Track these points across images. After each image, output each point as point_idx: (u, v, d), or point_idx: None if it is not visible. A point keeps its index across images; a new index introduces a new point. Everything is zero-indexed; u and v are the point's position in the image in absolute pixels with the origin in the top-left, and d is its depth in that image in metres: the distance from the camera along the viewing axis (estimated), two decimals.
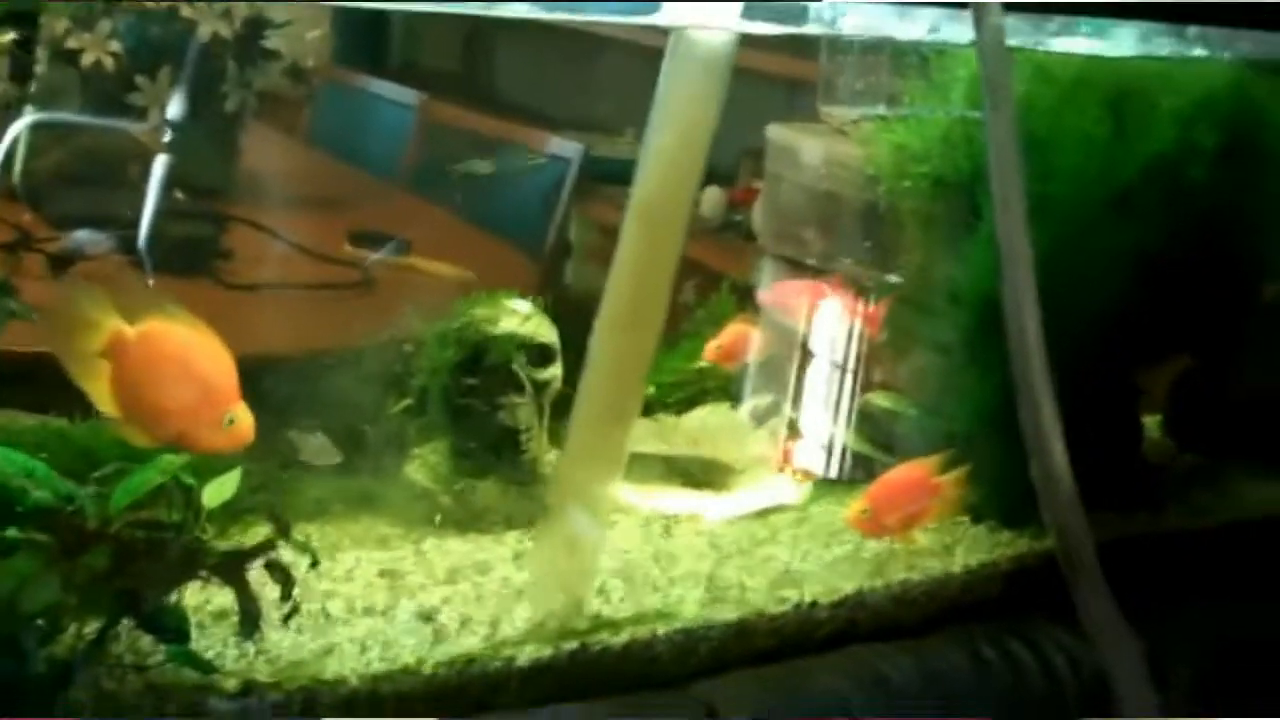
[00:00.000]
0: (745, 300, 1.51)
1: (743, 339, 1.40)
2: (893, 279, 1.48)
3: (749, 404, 1.35)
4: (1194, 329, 1.44)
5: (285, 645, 1.01)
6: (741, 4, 1.05)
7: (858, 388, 1.41)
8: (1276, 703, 1.14)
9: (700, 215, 2.52)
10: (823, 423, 1.36)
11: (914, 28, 1.11)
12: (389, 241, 2.02)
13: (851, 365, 1.41)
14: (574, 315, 1.45)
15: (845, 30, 1.12)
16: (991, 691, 1.19)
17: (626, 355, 1.11)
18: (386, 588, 1.12)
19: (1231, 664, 1.28)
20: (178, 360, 0.92)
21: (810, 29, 1.10)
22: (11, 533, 0.88)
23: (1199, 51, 1.28)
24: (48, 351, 1.01)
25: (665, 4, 1.06)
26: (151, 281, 1.85)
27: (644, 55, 1.20)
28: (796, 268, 1.55)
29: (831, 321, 1.43)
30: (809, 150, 1.56)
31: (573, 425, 1.12)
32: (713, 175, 2.52)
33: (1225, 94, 1.30)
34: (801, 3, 1.08)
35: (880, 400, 1.35)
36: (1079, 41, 1.20)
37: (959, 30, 1.10)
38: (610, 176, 2.47)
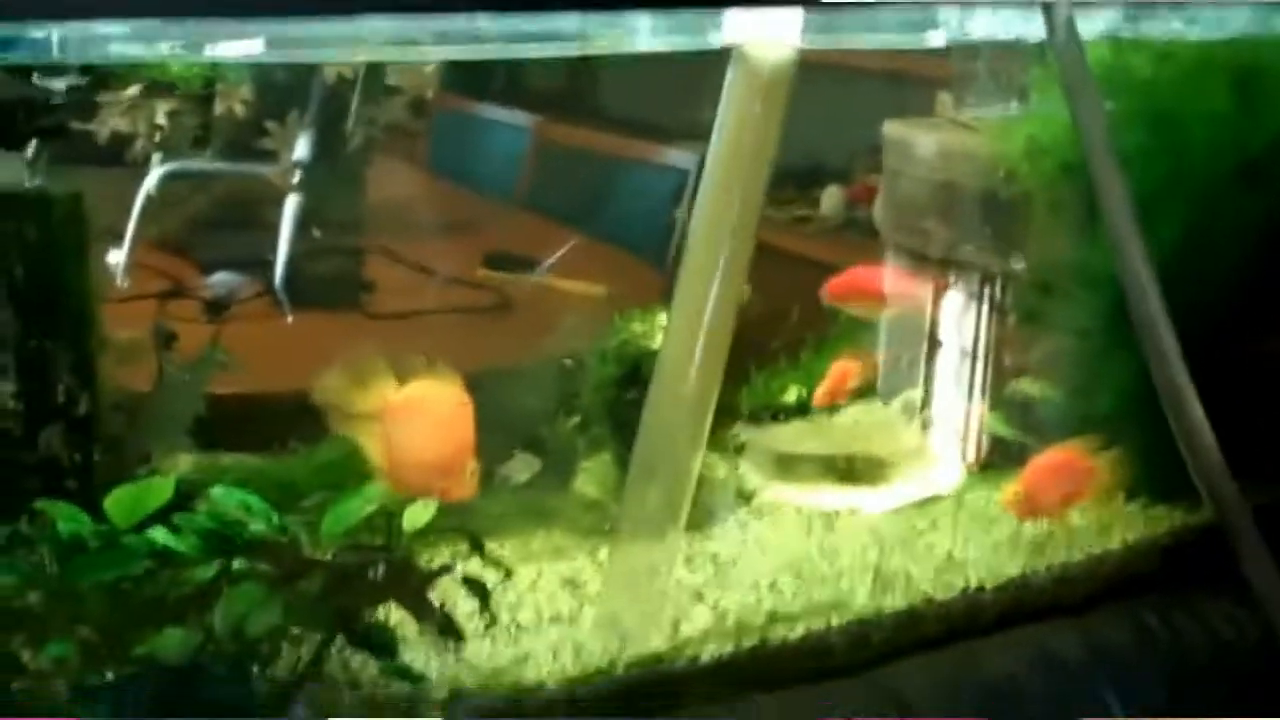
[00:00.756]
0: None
1: (846, 374, 1.41)
2: (1017, 264, 1.51)
3: (899, 398, 1.39)
4: None
5: (484, 655, 1.08)
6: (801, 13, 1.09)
7: (979, 373, 1.44)
8: None
9: (821, 215, 2.56)
10: (969, 411, 1.39)
11: (1038, 28, 1.14)
12: (523, 262, 2.09)
13: (971, 350, 1.45)
14: None
15: (973, 34, 1.15)
16: (1159, 663, 1.22)
17: (693, 374, 1.12)
18: (570, 596, 1.18)
19: None
20: (437, 420, 0.99)
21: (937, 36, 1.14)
22: (238, 563, 0.95)
23: None
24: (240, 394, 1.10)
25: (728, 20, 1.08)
26: (290, 319, 1.94)
27: None
28: (919, 259, 1.58)
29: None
30: (926, 144, 1.60)
31: (639, 442, 1.13)
32: (829, 174, 2.56)
33: None
34: (932, 6, 1.12)
35: (1025, 386, 1.38)
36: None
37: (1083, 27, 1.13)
38: None
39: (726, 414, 1.34)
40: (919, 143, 1.61)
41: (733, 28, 1.08)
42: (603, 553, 1.24)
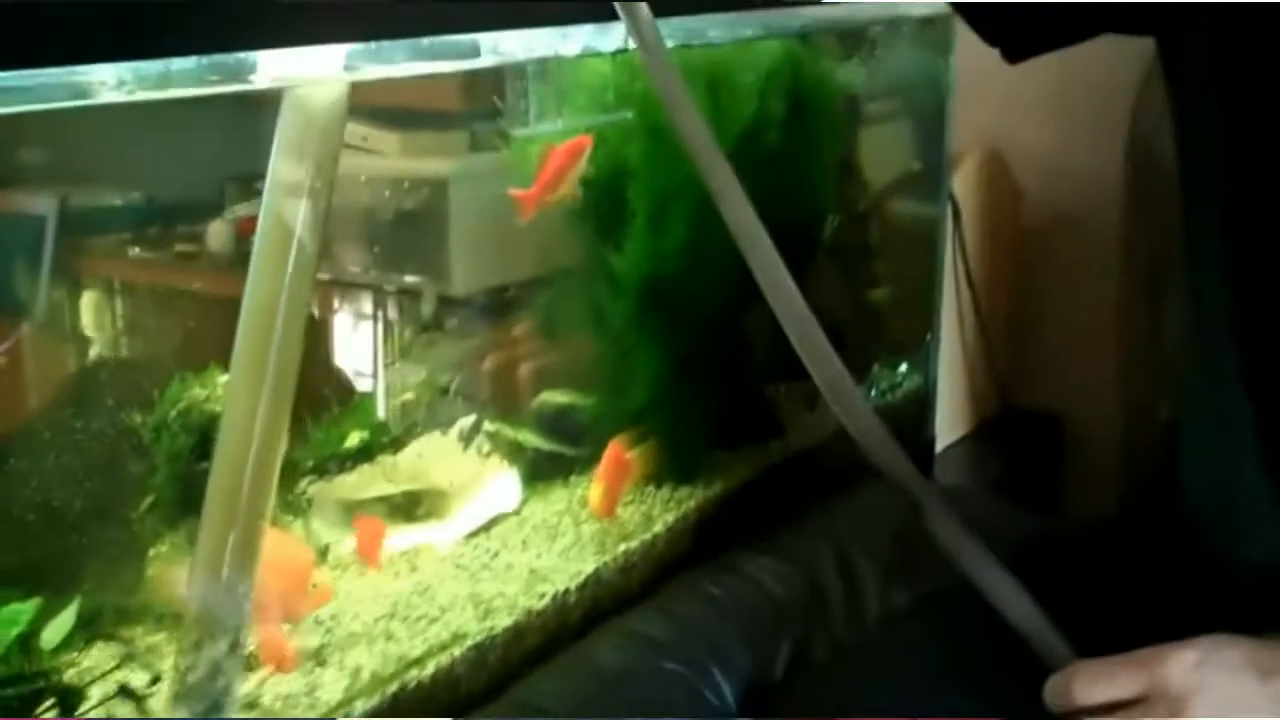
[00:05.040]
0: None
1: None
2: (411, 280, 1.67)
3: (456, 426, 1.50)
4: None
5: None
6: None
7: (512, 391, 1.59)
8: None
9: (210, 251, 2.56)
10: (510, 430, 1.53)
11: (570, 45, 1.29)
12: None
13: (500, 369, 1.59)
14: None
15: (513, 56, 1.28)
16: (731, 621, 1.43)
17: (259, 432, 1.13)
18: None
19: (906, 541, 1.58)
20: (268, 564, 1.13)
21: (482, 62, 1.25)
22: None
23: (758, 31, 1.56)
24: None
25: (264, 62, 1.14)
26: None
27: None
28: (350, 285, 1.69)
29: None
30: None
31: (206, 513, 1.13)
32: (208, 210, 2.56)
33: (784, 66, 1.61)
34: (473, 37, 1.23)
35: (554, 397, 1.55)
36: None
37: (609, 41, 1.29)
38: (100, 226, 2.45)
39: (293, 471, 1.39)
40: None
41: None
42: None
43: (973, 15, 1.13)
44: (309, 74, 1.14)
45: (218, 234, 2.60)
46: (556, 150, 1.40)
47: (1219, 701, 0.87)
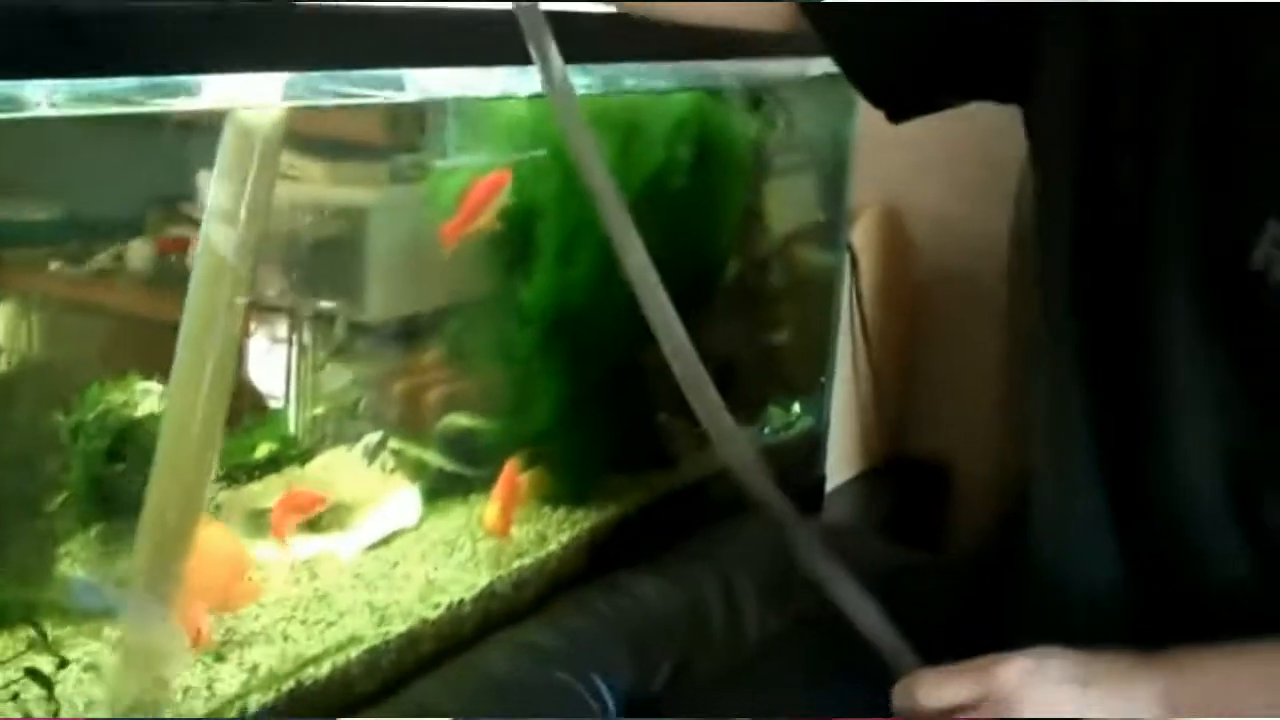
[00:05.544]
0: None
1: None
2: (328, 305, 1.74)
3: (361, 442, 1.57)
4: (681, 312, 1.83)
5: None
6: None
7: (414, 410, 1.66)
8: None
9: (130, 269, 2.60)
10: (414, 448, 1.61)
11: (490, 85, 1.38)
12: None
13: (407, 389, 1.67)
14: None
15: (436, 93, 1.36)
16: (617, 636, 1.51)
17: (194, 442, 1.21)
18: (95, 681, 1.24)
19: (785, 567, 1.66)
20: (209, 556, 1.26)
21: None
22: None
23: (670, 82, 1.66)
24: None
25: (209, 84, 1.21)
26: None
27: None
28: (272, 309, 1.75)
29: None
30: None
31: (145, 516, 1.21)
32: (129, 228, 2.60)
33: (693, 116, 1.70)
34: (400, 71, 1.31)
35: (459, 420, 1.62)
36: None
37: (528, 83, 1.36)
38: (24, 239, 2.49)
39: None
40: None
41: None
42: (108, 632, 1.30)
43: (857, 76, 1.22)
44: (248, 99, 1.21)
45: (138, 252, 2.66)
46: (479, 183, 1.48)
47: (1042, 704, 0.96)
